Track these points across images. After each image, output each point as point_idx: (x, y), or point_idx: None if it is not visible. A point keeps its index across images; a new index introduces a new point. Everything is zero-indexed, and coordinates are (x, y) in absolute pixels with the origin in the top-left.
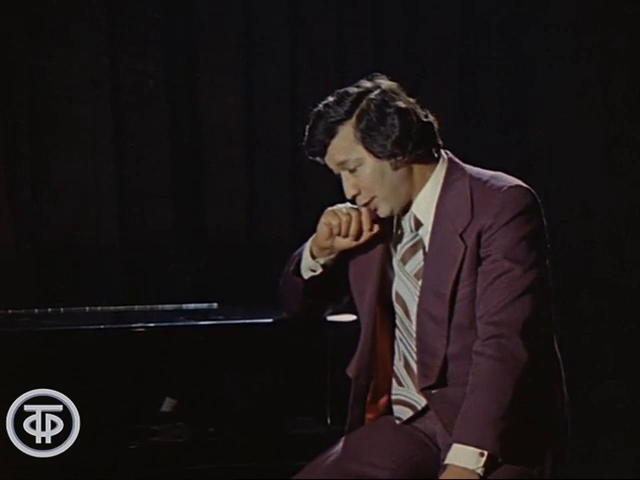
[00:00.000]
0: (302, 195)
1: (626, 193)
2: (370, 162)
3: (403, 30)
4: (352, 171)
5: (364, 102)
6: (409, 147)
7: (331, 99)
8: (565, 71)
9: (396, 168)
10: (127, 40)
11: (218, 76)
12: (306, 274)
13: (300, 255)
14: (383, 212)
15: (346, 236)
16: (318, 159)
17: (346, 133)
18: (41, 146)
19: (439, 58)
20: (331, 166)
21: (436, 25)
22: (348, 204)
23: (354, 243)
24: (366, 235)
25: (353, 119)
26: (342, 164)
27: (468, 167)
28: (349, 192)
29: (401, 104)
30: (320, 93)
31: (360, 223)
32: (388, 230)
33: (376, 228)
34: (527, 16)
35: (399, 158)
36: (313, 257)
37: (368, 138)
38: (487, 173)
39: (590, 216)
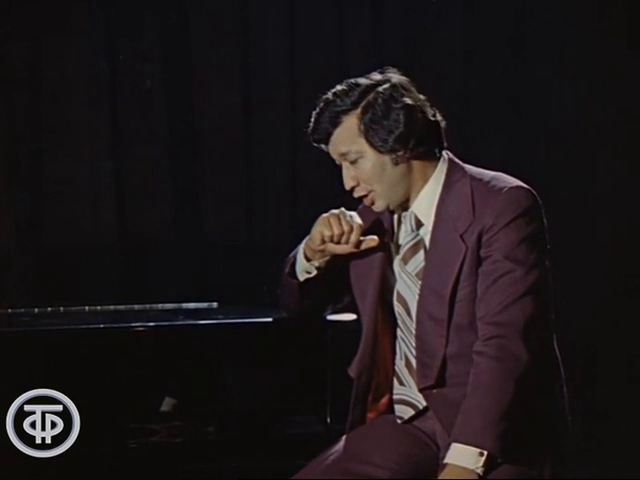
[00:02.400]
0: (300, 194)
1: (627, 192)
2: (371, 156)
3: (403, 29)
4: (353, 163)
5: (372, 94)
6: (411, 144)
7: (340, 88)
8: (566, 71)
9: (396, 164)
10: (125, 40)
11: (216, 76)
12: (301, 276)
13: (295, 257)
14: (379, 207)
15: (338, 242)
16: (322, 146)
17: (350, 124)
18: (39, 146)
19: (440, 58)
20: (333, 155)
21: (437, 24)
22: (343, 209)
23: (347, 251)
24: (354, 242)
25: (359, 110)
26: (343, 155)
27: (469, 167)
28: (348, 183)
29: (408, 100)
30: (318, 92)
31: (350, 236)
32: (388, 230)
33: (367, 244)
34: (527, 16)
35: (400, 154)
36: (307, 259)
37: (371, 131)
38: (488, 174)
39: (590, 215)
